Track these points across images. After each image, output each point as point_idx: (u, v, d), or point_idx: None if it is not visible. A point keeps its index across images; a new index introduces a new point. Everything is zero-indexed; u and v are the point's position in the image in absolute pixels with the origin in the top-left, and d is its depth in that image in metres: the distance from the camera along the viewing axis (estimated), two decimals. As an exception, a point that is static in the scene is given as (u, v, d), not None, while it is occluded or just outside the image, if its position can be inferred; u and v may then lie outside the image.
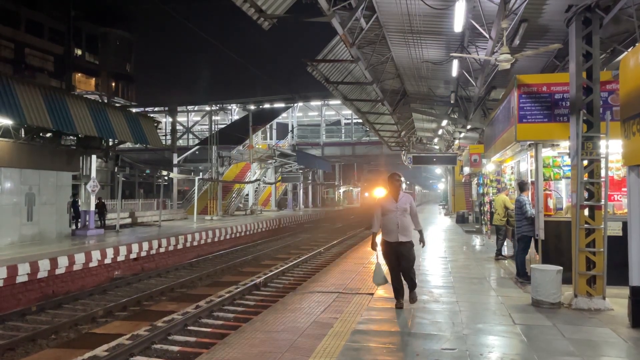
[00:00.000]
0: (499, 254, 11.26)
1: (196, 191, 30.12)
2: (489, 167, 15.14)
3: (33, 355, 7.58)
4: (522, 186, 8.79)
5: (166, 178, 29.53)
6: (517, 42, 9.23)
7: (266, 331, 5.72)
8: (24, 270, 10.80)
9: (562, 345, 5.17)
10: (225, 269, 15.29)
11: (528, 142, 8.14)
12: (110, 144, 19.06)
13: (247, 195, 36.98)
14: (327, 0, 9.15)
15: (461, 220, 23.69)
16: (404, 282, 6.79)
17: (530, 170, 8.81)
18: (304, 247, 21.12)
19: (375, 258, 7.05)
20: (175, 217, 27.46)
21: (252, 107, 37.35)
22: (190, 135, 46.88)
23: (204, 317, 9.22)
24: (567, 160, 8.52)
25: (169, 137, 39.48)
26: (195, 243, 18.22)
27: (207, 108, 40.27)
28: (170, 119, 39.65)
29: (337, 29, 10.16)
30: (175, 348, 7.49)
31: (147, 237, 16.35)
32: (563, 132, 7.40)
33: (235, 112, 46.57)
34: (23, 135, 15.70)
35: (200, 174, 33.94)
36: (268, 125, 45.13)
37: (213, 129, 33.94)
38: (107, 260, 13.51)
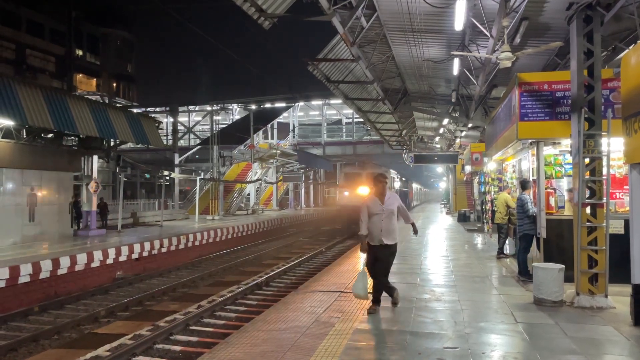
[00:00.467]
0: (500, 253, 11.25)
1: (197, 191, 30.10)
2: (490, 165, 15.09)
3: (36, 356, 7.59)
4: (524, 184, 8.80)
5: (167, 178, 29.53)
6: (518, 40, 9.22)
7: (268, 330, 5.72)
8: (26, 270, 10.83)
9: (565, 343, 5.17)
10: (227, 268, 15.31)
11: (529, 141, 8.12)
12: (112, 144, 19.10)
13: (249, 195, 36.99)
14: (328, -1, 9.15)
15: (463, 219, 23.69)
16: (386, 287, 6.50)
17: (532, 169, 8.80)
18: (305, 246, 21.13)
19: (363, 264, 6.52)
20: (177, 217, 27.50)
21: (253, 106, 37.29)
22: (192, 135, 46.90)
23: (206, 317, 9.23)
24: (569, 158, 8.50)
25: (170, 137, 39.52)
26: (197, 243, 18.24)
27: (208, 108, 40.27)
28: (171, 119, 39.71)
29: (337, 28, 10.13)
30: (178, 348, 7.50)
31: (149, 237, 16.36)
32: (564, 130, 7.39)
33: (236, 111, 46.53)
34: (25, 136, 15.75)
35: (202, 173, 33.91)
36: (269, 125, 45.11)
37: (214, 128, 33.96)
38: (109, 261, 13.52)
